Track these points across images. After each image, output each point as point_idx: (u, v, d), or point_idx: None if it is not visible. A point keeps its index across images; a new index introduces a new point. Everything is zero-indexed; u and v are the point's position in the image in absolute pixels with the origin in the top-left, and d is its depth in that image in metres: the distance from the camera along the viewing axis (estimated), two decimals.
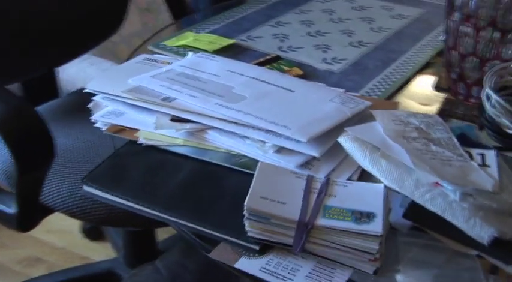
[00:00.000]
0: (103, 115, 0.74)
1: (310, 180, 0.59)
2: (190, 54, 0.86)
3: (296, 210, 0.55)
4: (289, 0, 1.16)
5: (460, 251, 0.55)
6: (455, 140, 0.64)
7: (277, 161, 0.64)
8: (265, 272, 0.55)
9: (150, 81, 0.75)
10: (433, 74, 0.90)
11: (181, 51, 0.94)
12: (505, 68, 0.75)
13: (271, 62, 0.89)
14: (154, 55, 0.87)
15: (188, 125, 0.69)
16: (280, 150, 0.65)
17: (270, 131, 0.65)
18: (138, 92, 0.74)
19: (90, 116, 0.75)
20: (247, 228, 0.56)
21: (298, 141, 0.64)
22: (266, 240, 0.56)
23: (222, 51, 0.93)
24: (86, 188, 0.65)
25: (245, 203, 0.55)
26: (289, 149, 0.64)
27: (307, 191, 0.58)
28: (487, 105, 0.73)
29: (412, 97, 0.83)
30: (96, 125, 0.75)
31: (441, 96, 0.85)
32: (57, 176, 1.16)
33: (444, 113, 0.79)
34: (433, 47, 0.96)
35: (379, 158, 0.59)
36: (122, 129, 0.72)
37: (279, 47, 0.96)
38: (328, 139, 0.64)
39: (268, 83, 0.74)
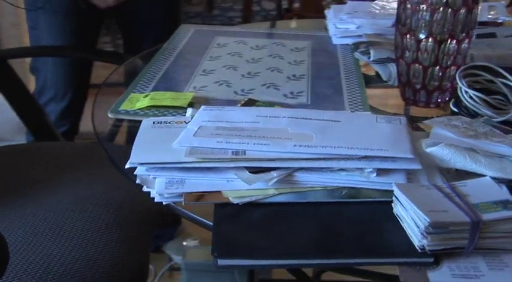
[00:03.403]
0: (166, 187, 0.68)
1: (440, 188, 0.65)
2: (190, 110, 0.83)
3: (459, 213, 0.60)
4: (190, 50, 1.17)
5: None
6: (497, 130, 0.76)
7: (382, 183, 0.67)
8: (458, 277, 0.58)
9: (202, 141, 0.71)
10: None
11: (149, 113, 0.88)
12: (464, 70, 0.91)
13: (250, 105, 0.90)
14: (159, 118, 0.81)
15: (275, 173, 0.68)
16: (379, 173, 0.68)
17: (364, 157, 0.69)
18: (199, 154, 0.69)
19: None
20: (427, 242, 0.59)
21: (394, 160, 0.69)
22: (441, 249, 0.60)
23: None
24: (222, 262, 0.59)
25: (428, 219, 0.58)
26: (386, 169, 0.69)
27: (448, 197, 0.63)
28: (466, 100, 0.87)
29: (384, 108, 0.94)
30: (158, 199, 0.68)
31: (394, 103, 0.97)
32: None
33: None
34: (355, 65, 1.09)
35: (477, 156, 0.68)
36: (201, 195, 0.67)
37: (234, 92, 0.97)
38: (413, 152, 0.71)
39: (311, 119, 0.77)
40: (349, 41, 1.20)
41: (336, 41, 1.23)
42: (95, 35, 1.53)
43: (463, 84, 0.88)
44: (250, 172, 0.68)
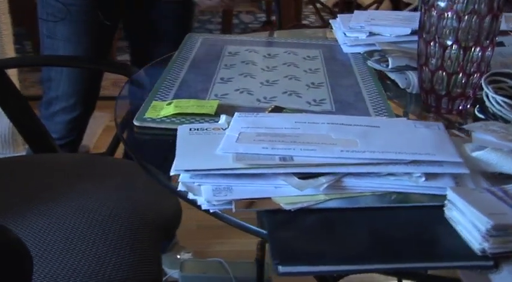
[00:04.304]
0: (214, 194, 0.66)
1: (492, 191, 0.65)
2: (223, 117, 0.82)
3: None
4: (203, 58, 1.16)
5: None
6: None
7: (432, 187, 0.67)
8: None
9: (247, 147, 0.70)
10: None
11: (176, 120, 0.87)
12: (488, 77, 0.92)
13: (278, 112, 0.89)
14: (195, 124, 0.80)
15: (324, 179, 0.67)
16: (427, 177, 0.68)
17: (412, 161, 0.68)
18: (246, 160, 0.68)
19: None
20: (488, 245, 0.59)
21: (440, 164, 0.69)
22: (501, 252, 0.60)
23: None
24: (284, 269, 0.58)
25: (491, 222, 0.58)
26: (432, 174, 0.69)
27: (502, 200, 0.63)
28: (493, 106, 0.88)
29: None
30: (206, 207, 0.66)
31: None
32: None
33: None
34: (370, 73, 1.09)
35: None
36: (251, 202, 0.66)
37: (257, 100, 0.96)
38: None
39: (350, 125, 0.76)
40: (360, 50, 1.21)
41: (346, 49, 1.23)
42: (108, 46, 1.52)
43: (489, 91, 0.89)
44: (297, 178, 0.68)
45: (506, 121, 0.87)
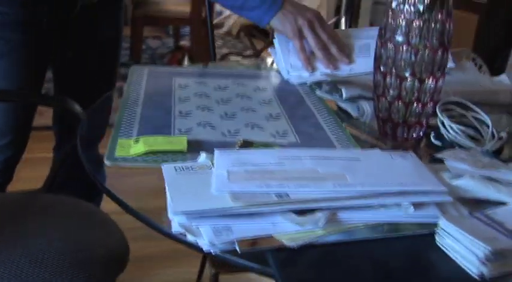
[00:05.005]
0: (216, 236, 0.65)
1: (478, 217, 0.69)
2: (203, 155, 0.81)
3: (508, 240, 0.65)
4: (155, 92, 1.14)
5: None
6: (497, 160, 0.83)
7: (421, 216, 0.71)
8: None
9: (242, 186, 0.70)
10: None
11: (149, 159, 0.85)
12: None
13: (248, 146, 0.90)
14: (178, 163, 0.78)
15: (320, 214, 0.69)
16: (415, 206, 0.72)
17: (400, 192, 0.71)
18: (244, 199, 0.68)
19: None
20: (487, 270, 0.62)
21: (425, 194, 0.72)
22: (497, 275, 0.64)
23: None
24: None
25: (489, 248, 0.62)
26: (418, 203, 0.72)
27: (488, 225, 0.68)
28: (448, 133, 0.94)
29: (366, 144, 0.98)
30: (209, 249, 0.65)
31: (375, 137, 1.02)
32: None
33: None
34: (321, 103, 1.12)
35: (498, 185, 0.74)
36: (254, 241, 0.66)
37: (222, 133, 0.96)
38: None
39: (333, 158, 0.79)
40: (307, 81, 1.24)
41: (293, 80, 1.26)
42: (42, 81, 1.42)
43: (445, 119, 0.94)
44: (294, 214, 0.69)
45: (460, 146, 0.93)
